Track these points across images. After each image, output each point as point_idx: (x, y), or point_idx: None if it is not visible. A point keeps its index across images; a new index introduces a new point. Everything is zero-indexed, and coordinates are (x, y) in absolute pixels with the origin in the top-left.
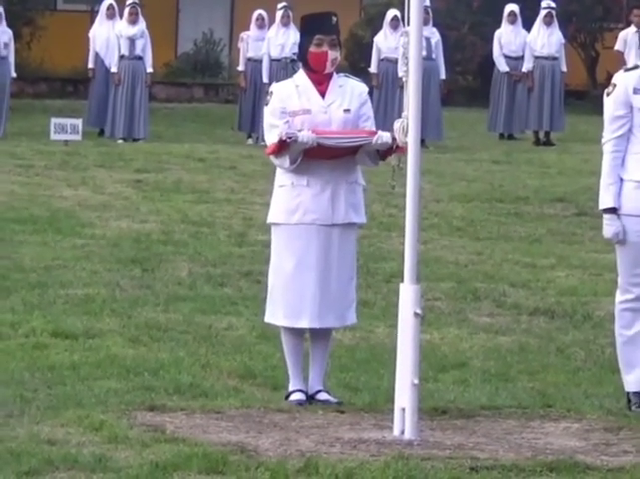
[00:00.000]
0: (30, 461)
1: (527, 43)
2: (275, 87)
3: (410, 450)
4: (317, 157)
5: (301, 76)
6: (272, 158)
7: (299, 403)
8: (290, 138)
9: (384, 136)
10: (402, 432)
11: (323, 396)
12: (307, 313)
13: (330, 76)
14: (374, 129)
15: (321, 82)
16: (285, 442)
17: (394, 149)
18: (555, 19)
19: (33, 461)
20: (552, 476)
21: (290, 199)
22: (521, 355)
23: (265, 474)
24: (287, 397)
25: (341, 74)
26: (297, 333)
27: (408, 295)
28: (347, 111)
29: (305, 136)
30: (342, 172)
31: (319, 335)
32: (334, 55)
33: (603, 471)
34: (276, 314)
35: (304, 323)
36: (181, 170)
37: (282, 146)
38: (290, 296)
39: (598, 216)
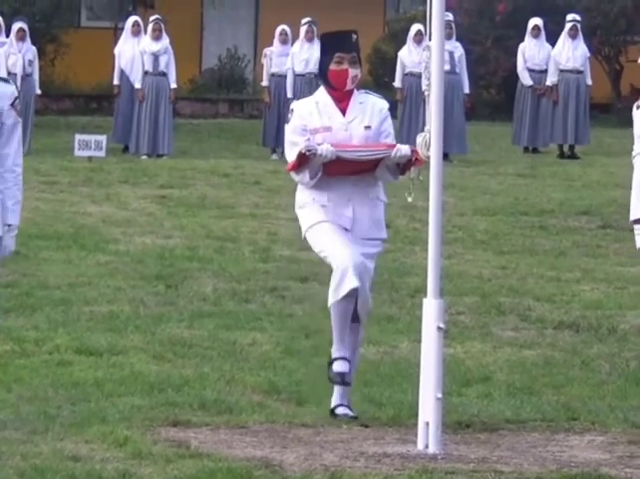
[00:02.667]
0: (54, 477)
1: (552, 57)
2: (296, 105)
3: (434, 464)
4: (337, 173)
5: (322, 93)
6: (292, 174)
7: (340, 375)
8: (310, 151)
9: (403, 149)
10: (426, 446)
11: (341, 411)
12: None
13: (351, 93)
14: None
15: (342, 99)
16: (309, 457)
17: (413, 162)
18: (580, 32)
19: (57, 477)
20: None
21: (314, 211)
22: (546, 369)
23: None
24: (330, 364)
25: (362, 90)
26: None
27: (431, 309)
28: (368, 128)
29: (324, 149)
30: (363, 188)
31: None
32: (354, 72)
33: None
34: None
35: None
36: (206, 186)
37: (302, 160)
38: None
39: (623, 229)
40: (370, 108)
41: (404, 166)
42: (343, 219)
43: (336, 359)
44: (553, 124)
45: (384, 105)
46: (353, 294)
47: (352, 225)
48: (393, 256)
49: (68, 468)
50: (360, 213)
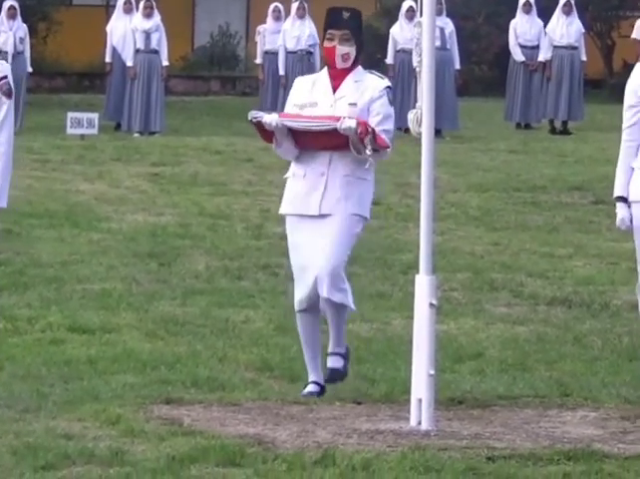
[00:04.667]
0: (47, 456)
1: (546, 32)
2: (296, 80)
3: (427, 441)
4: (308, 146)
5: (323, 71)
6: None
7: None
8: (255, 118)
9: (347, 121)
10: (419, 423)
11: (330, 362)
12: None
13: (348, 71)
14: (386, 126)
15: (337, 77)
16: (302, 434)
17: (359, 135)
18: (574, 8)
19: (50, 456)
20: (569, 465)
21: (290, 189)
22: (538, 345)
23: (282, 466)
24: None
25: (366, 70)
26: (307, 318)
27: (423, 286)
28: (353, 105)
29: (269, 117)
30: (337, 164)
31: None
32: (344, 50)
33: (620, 459)
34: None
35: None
36: (198, 163)
37: (258, 128)
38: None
39: (615, 204)
40: (363, 86)
41: (359, 141)
42: (312, 199)
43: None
44: (546, 99)
45: (380, 84)
46: (312, 305)
47: (321, 201)
48: (385, 233)
49: (60, 446)
50: (332, 188)
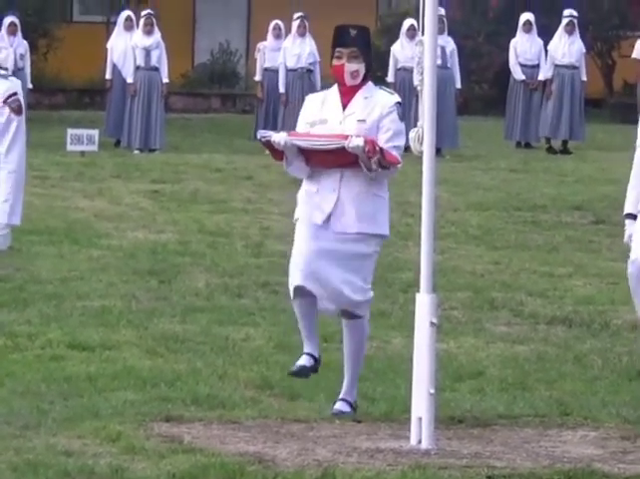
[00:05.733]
0: (47, 472)
1: (548, 51)
2: (307, 98)
3: (427, 459)
4: (319, 164)
5: (333, 87)
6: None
7: (298, 368)
8: (264, 137)
9: (355, 140)
10: (419, 441)
11: (337, 406)
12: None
13: (358, 88)
14: (397, 142)
15: (347, 94)
16: (302, 452)
17: (367, 154)
18: (577, 28)
19: (50, 472)
20: None
21: (302, 204)
22: (538, 364)
23: None
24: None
25: (376, 86)
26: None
27: (424, 304)
28: (362, 121)
29: (277, 136)
30: (350, 181)
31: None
32: (353, 68)
33: None
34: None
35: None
36: (198, 180)
37: (268, 147)
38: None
39: (615, 224)
40: (373, 102)
41: (368, 159)
42: (321, 211)
43: (303, 354)
44: (545, 118)
45: (390, 100)
46: (304, 293)
47: (330, 218)
48: (386, 252)
49: (60, 463)
50: (345, 205)
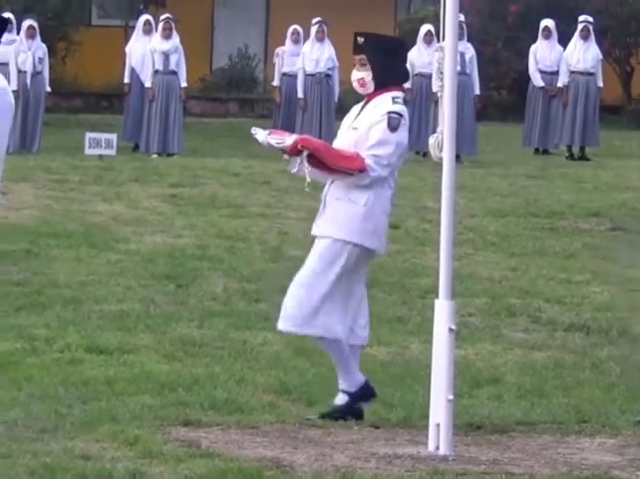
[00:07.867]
0: (65, 476)
1: (563, 58)
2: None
3: (445, 466)
4: (317, 168)
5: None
6: None
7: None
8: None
9: (260, 134)
10: (437, 448)
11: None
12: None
13: (372, 96)
14: (376, 151)
15: (367, 102)
16: (320, 457)
17: (290, 154)
18: (592, 34)
19: (67, 476)
20: None
21: None
22: (556, 371)
23: None
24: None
25: (390, 94)
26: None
27: (443, 311)
28: (354, 129)
29: (259, 134)
30: (333, 188)
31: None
32: (358, 75)
33: None
34: None
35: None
36: (216, 185)
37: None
38: None
39: (633, 231)
40: (375, 111)
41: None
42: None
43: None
44: (562, 125)
45: (383, 109)
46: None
47: (317, 222)
48: (403, 257)
49: (78, 467)
50: (325, 209)
